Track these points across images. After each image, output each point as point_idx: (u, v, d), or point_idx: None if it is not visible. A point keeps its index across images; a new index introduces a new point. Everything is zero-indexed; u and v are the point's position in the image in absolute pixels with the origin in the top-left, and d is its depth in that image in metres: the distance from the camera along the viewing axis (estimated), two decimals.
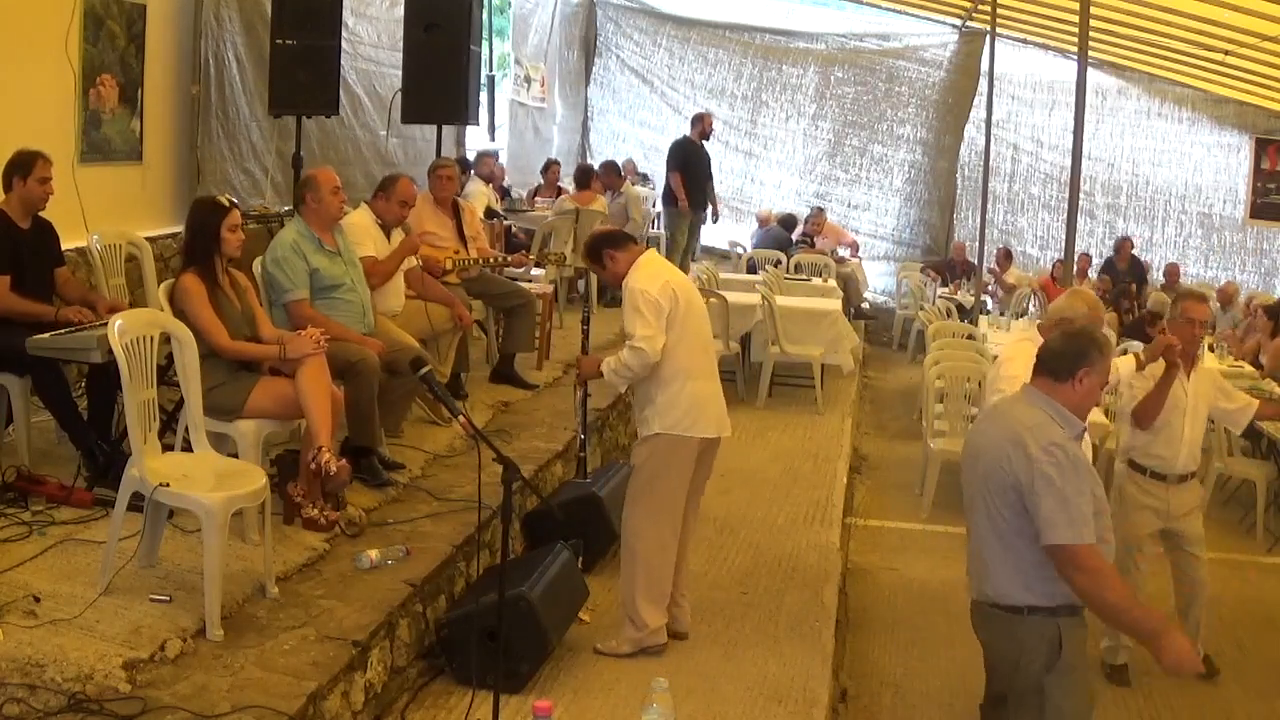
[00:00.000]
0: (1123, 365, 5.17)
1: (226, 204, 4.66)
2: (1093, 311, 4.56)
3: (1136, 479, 5.22)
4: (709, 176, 12.11)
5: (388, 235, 5.93)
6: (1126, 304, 11.10)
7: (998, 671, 3.63)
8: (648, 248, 4.68)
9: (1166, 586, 5.47)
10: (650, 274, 4.49)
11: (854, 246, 14.69)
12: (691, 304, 4.54)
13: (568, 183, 12.74)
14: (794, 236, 13.90)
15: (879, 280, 15.69)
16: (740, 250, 14.11)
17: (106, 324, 4.01)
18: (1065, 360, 3.38)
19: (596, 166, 12.69)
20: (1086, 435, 4.44)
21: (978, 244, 12.53)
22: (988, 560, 3.43)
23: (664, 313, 4.40)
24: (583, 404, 4.72)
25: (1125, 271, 13.63)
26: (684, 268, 11.37)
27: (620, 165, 14.75)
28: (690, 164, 11.36)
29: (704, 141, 11.63)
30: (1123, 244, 14.07)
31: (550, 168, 12.83)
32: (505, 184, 12.15)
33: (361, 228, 5.79)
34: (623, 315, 4.50)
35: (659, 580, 4.56)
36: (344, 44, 8.01)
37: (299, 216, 5.27)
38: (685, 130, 12.12)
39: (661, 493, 4.53)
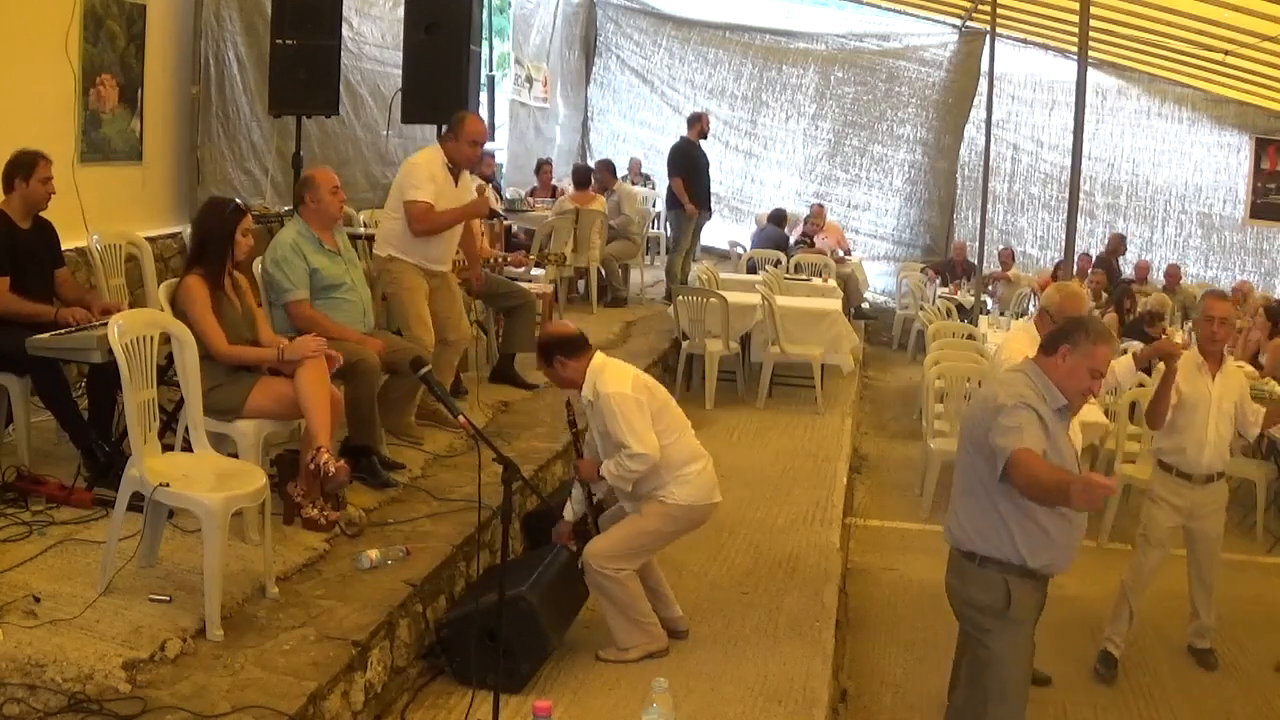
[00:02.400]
0: (1119, 365, 5.20)
1: (242, 208, 4.68)
2: (1064, 299, 4.88)
3: (1163, 477, 5.30)
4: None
5: (455, 179, 5.85)
6: (1128, 304, 11.06)
7: (960, 619, 3.92)
8: (594, 351, 4.62)
9: (1170, 586, 5.48)
10: (617, 376, 4.50)
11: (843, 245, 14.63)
12: (657, 390, 4.62)
13: (564, 182, 12.75)
14: (789, 232, 13.89)
15: (879, 280, 15.69)
16: (740, 250, 14.12)
17: (106, 324, 4.01)
18: (1053, 337, 3.72)
19: (592, 164, 12.70)
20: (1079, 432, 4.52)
21: (978, 244, 12.54)
22: (957, 508, 3.77)
23: (645, 409, 4.45)
24: (588, 500, 4.81)
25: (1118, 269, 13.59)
26: (684, 268, 11.36)
27: (627, 164, 14.86)
28: (692, 166, 11.30)
29: (702, 140, 11.55)
30: (1118, 241, 14.05)
31: (542, 168, 12.83)
32: (497, 181, 12.15)
33: (424, 168, 5.72)
34: (604, 422, 4.46)
35: (644, 608, 4.58)
36: (348, 44, 8.02)
37: (298, 216, 5.26)
38: (685, 130, 12.07)
39: (657, 546, 4.67)
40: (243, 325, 4.57)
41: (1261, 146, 14.71)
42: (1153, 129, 15.19)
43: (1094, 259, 13.87)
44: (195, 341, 4.17)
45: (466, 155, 5.84)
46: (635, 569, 4.55)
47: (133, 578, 3.87)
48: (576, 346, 4.56)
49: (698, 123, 11.56)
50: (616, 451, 4.43)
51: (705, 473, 4.64)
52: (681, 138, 11.62)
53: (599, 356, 4.61)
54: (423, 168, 5.71)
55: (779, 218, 13.98)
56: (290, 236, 5.16)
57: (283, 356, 4.48)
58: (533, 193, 12.48)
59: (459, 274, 6.68)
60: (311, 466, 4.40)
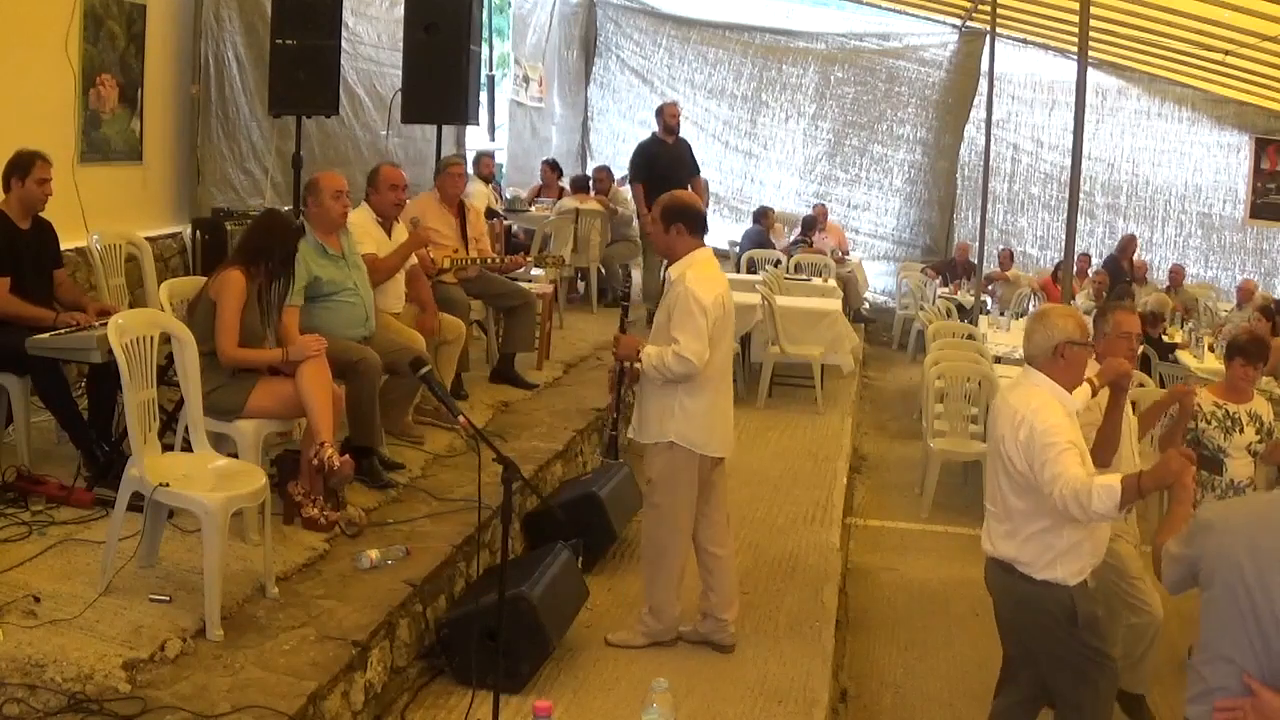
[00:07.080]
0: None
1: (301, 227, 4.79)
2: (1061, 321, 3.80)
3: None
4: (693, 173, 9.83)
5: (389, 231, 5.90)
6: (1129, 304, 11.05)
7: None
8: (704, 244, 4.62)
9: None
10: (707, 281, 4.45)
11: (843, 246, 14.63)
12: (729, 319, 4.57)
13: (565, 183, 12.78)
14: (788, 232, 13.89)
15: (879, 280, 15.70)
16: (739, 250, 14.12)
17: (106, 324, 4.01)
18: None
19: (590, 172, 12.74)
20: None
21: (978, 244, 12.53)
22: None
23: (710, 325, 4.39)
24: (619, 381, 4.74)
25: (1129, 269, 13.54)
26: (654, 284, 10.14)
27: (627, 165, 14.80)
28: (655, 168, 9.57)
29: (672, 136, 9.86)
30: (1129, 242, 13.97)
31: (545, 169, 12.85)
32: (497, 181, 12.18)
33: (361, 227, 5.78)
34: (673, 308, 4.40)
35: (678, 580, 4.66)
36: (344, 44, 8.00)
37: (304, 220, 5.28)
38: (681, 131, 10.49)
39: (681, 500, 4.60)
40: (255, 341, 4.57)
41: (1261, 146, 14.70)
42: (1153, 129, 15.19)
43: (1103, 259, 13.84)
44: (196, 340, 4.17)
45: (389, 201, 5.86)
46: (688, 533, 4.65)
47: (133, 578, 3.87)
48: (698, 227, 4.56)
49: (660, 116, 10.02)
50: (670, 342, 4.38)
51: (715, 415, 4.57)
52: (649, 135, 10.21)
53: (706, 252, 4.59)
54: (359, 226, 5.71)
55: (759, 215, 13.95)
56: None
57: (287, 358, 4.49)
58: (539, 192, 12.49)
59: (456, 275, 6.68)
60: (315, 461, 4.40)
